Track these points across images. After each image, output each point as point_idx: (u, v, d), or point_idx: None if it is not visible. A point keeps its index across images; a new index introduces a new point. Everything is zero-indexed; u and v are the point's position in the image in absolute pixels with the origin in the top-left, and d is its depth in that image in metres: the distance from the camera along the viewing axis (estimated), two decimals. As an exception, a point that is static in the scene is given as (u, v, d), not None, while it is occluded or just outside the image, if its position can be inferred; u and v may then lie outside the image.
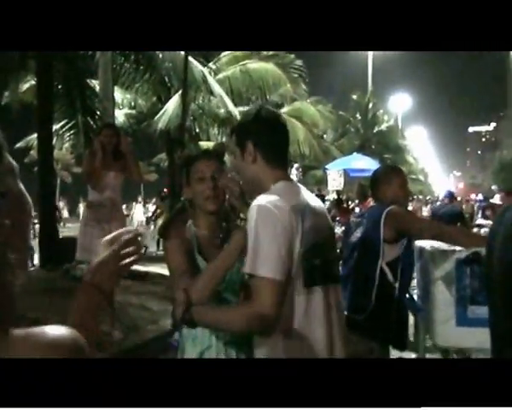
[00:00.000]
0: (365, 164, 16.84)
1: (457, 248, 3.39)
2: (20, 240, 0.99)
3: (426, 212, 10.78)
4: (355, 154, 18.21)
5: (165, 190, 17.19)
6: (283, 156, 1.91)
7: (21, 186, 1.03)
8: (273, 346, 1.79)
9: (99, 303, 1.14)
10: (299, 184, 1.96)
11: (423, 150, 63.26)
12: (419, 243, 3.70)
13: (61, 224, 20.08)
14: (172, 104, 13.63)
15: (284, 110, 18.69)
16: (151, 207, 21.72)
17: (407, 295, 3.42)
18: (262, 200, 1.76)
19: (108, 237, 1.19)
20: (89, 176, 5.17)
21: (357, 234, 3.15)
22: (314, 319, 1.79)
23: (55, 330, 0.83)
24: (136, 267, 8.56)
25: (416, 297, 3.99)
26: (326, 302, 1.83)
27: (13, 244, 0.85)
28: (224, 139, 17.74)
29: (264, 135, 1.87)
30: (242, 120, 2.03)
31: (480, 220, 7.53)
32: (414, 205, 15.31)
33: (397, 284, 2.97)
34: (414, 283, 3.81)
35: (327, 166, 17.13)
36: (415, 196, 22.51)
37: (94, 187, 5.21)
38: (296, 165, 21.40)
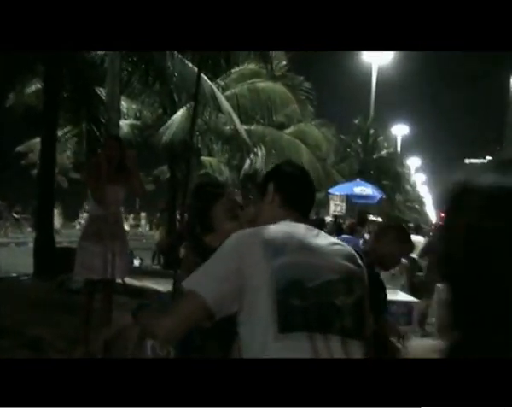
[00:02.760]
0: (368, 191, 16.76)
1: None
2: None
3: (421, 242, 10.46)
4: (358, 180, 18.11)
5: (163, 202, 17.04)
6: (301, 201, 1.98)
7: None
8: None
9: None
10: (309, 227, 1.86)
11: (419, 179, 64.25)
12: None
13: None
14: (178, 118, 13.46)
15: (289, 131, 18.58)
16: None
17: None
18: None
19: None
20: (93, 189, 5.00)
21: None
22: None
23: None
24: (131, 282, 8.31)
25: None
26: (313, 352, 1.58)
27: None
28: (226, 156, 17.58)
29: (285, 179, 1.99)
30: (270, 169, 2.19)
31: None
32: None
33: None
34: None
35: (330, 191, 16.99)
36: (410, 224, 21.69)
37: (99, 201, 5.01)
38: None
